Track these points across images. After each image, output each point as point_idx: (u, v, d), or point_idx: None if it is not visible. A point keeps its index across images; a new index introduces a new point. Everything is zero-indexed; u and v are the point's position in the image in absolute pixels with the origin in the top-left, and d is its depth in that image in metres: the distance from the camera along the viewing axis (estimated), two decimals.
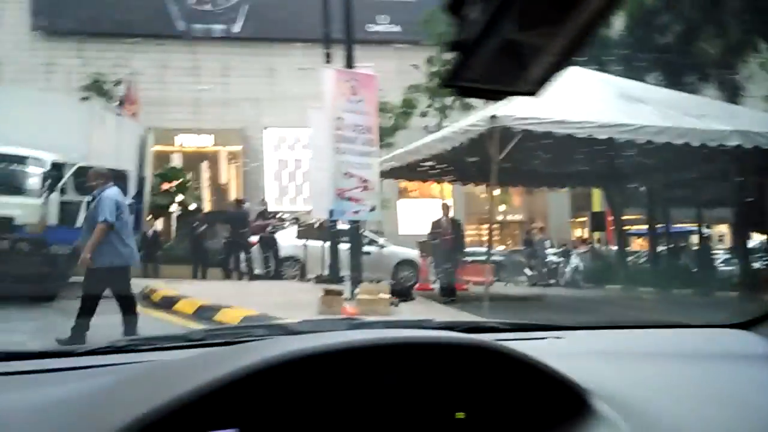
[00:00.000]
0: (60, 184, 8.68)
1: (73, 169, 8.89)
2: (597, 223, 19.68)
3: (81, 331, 5.89)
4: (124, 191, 9.27)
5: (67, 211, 8.58)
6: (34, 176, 8.70)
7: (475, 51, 0.67)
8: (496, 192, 20.85)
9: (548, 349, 1.19)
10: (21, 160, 8.74)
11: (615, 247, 18.44)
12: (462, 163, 12.04)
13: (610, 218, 18.18)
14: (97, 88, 19.38)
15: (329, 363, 0.84)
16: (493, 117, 8.13)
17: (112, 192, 6.19)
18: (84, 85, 19.80)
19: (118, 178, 9.17)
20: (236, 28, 27.46)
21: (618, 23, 15.28)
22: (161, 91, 25.55)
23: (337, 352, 0.84)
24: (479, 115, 9.31)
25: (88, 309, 6.01)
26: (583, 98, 9.04)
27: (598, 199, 22.75)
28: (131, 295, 6.28)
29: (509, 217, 29.60)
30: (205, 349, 1.26)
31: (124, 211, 6.19)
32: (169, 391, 0.78)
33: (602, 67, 12.56)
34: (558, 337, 1.46)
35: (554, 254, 19.67)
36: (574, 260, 18.32)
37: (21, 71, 24.42)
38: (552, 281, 17.97)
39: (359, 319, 1.61)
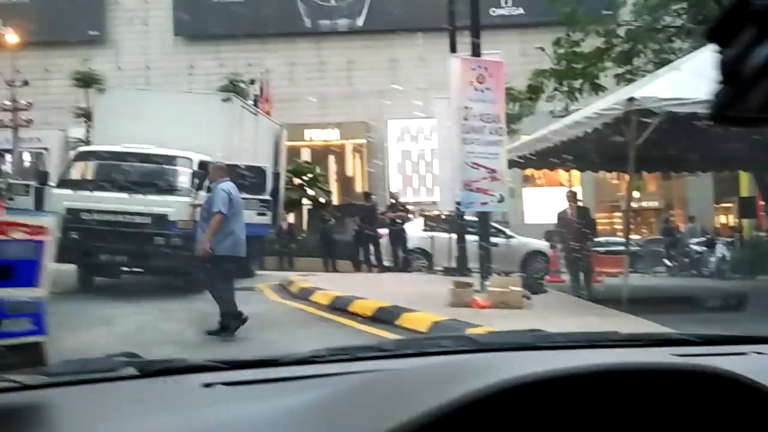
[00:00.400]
0: (206, 182, 9.28)
1: None
2: (746, 209, 18.14)
3: (228, 321, 6.26)
4: (263, 187, 9.79)
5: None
6: (183, 175, 9.37)
7: (759, 81, 0.62)
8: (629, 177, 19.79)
9: (755, 368, 1.08)
10: (172, 160, 9.43)
11: (766, 235, 16.94)
12: (595, 149, 11.49)
13: (761, 203, 16.70)
14: (233, 87, 20.49)
15: (559, 387, 0.82)
16: (631, 99, 7.68)
17: (226, 185, 6.58)
18: (221, 86, 21.00)
19: (257, 174, 9.71)
20: (360, 21, 27.99)
21: None
22: (290, 87, 26.64)
23: (573, 377, 0.82)
24: (614, 98, 8.86)
25: (222, 298, 6.36)
26: None
27: (746, 184, 20.97)
28: (230, 287, 6.59)
29: (644, 204, 28.02)
30: (409, 359, 1.29)
31: (236, 204, 6.50)
32: (417, 402, 0.79)
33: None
34: (760, 352, 1.33)
35: (697, 243, 18.39)
36: (720, 249, 17.02)
37: (166, 75, 26.41)
38: (694, 272, 16.83)
39: (541, 331, 1.57)
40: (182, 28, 28.21)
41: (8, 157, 20.45)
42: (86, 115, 19.74)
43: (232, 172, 9.41)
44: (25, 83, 23.74)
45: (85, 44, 27.55)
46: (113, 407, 1.09)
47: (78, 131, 22.13)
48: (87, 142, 15.10)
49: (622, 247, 16.55)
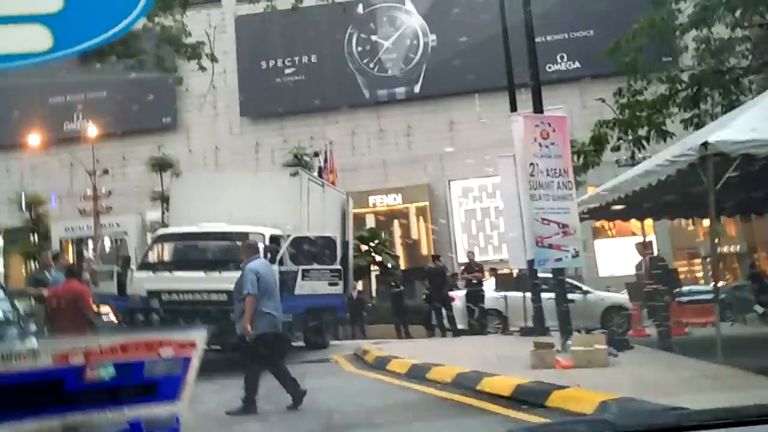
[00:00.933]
0: (278, 256, 9.45)
1: (288, 240, 9.65)
2: None
3: (251, 397, 6.18)
4: (333, 257, 9.86)
5: (286, 281, 9.27)
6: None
7: None
8: (708, 223, 18.98)
9: None
10: (244, 236, 9.65)
11: None
12: (669, 197, 11.12)
13: None
14: (298, 161, 21.10)
15: None
16: (705, 144, 7.43)
17: (254, 264, 6.56)
18: (287, 161, 21.67)
19: (327, 244, 9.82)
20: (417, 88, 28.62)
21: None
22: (352, 156, 27.25)
23: None
24: (685, 144, 8.58)
25: (253, 379, 6.32)
26: None
27: None
28: (276, 363, 6.49)
29: (725, 249, 26.75)
30: None
31: (268, 282, 6.44)
32: None
33: None
34: None
35: None
36: None
37: (234, 154, 27.59)
38: None
39: (685, 409, 1.44)
40: (247, 108, 29.53)
41: (90, 243, 21.52)
42: (162, 198, 20.68)
43: (301, 243, 9.61)
44: (105, 172, 25.18)
45: (158, 131, 29.24)
46: None
47: (154, 214, 23.19)
48: (163, 224, 15.74)
49: (706, 296, 15.74)
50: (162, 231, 11.10)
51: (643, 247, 10.86)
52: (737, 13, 14.66)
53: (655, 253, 22.75)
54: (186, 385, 1.76)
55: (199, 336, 1.80)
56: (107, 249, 15.87)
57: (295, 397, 6.33)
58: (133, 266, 9.65)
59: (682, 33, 16.09)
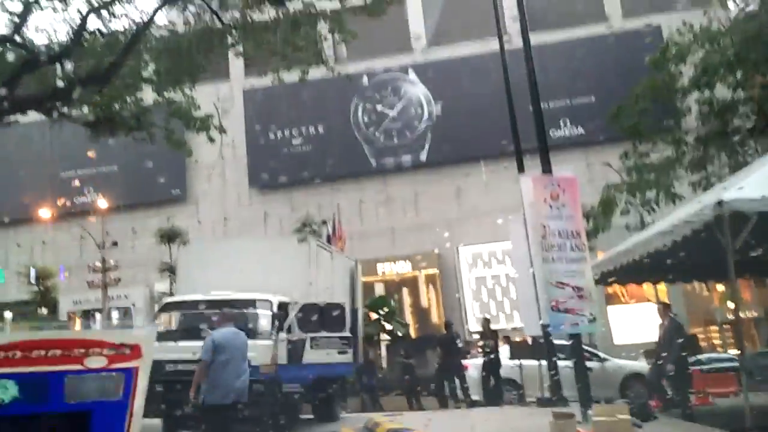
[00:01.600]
0: (287, 323, 9.24)
1: (297, 307, 9.46)
2: None
3: None
4: (342, 324, 9.64)
5: (294, 349, 9.05)
6: (264, 318, 9.38)
7: None
8: (722, 287, 18.64)
9: None
10: (252, 304, 9.50)
11: None
12: (685, 259, 10.91)
13: None
14: (306, 230, 21.08)
15: None
16: (720, 203, 7.31)
17: (217, 332, 6.41)
18: (295, 229, 21.66)
19: (336, 311, 9.61)
20: (423, 156, 28.92)
21: None
22: (360, 224, 27.29)
23: None
24: (700, 203, 8.46)
25: None
26: None
27: None
28: None
29: (741, 315, 26.17)
30: None
31: (226, 351, 6.24)
32: None
33: None
34: None
35: None
36: None
37: (243, 224, 27.67)
38: None
39: None
40: (256, 179, 29.83)
41: (98, 315, 21.33)
42: (170, 269, 20.59)
43: (309, 310, 9.40)
44: (114, 244, 25.24)
45: (168, 203, 29.50)
46: None
47: (163, 285, 23.04)
48: (171, 295, 15.58)
49: (727, 363, 15.25)
50: (168, 299, 10.94)
51: (664, 309, 10.49)
52: (738, 74, 14.86)
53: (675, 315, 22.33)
54: (131, 417, 1.14)
55: (145, 336, 1.27)
56: (113, 320, 15.67)
57: None
58: None
59: (684, 95, 16.30)
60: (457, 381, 13.01)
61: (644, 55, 17.04)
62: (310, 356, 9.20)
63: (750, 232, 7.91)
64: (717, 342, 25.21)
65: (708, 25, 15.57)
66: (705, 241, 8.23)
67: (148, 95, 14.05)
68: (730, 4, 16.45)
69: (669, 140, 16.50)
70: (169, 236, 23.15)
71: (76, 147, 25.37)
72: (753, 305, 26.83)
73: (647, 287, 14.66)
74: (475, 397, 12.82)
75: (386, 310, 19.89)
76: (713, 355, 16.19)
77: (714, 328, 26.23)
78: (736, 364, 14.21)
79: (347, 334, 9.73)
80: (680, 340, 9.43)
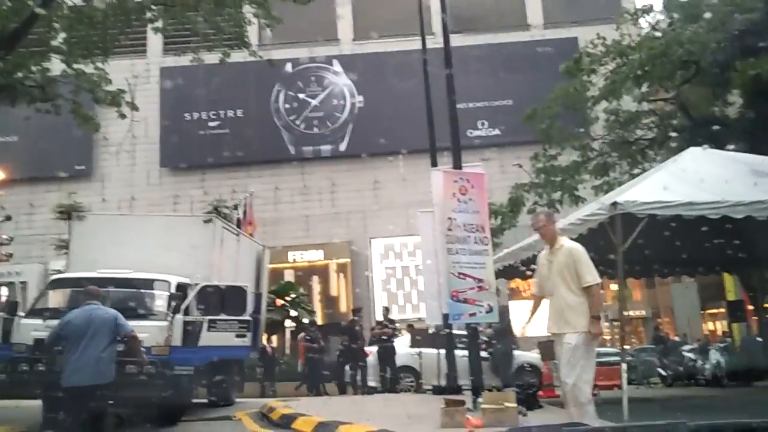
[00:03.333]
0: (184, 305, 8.95)
1: (197, 289, 9.19)
2: (736, 312, 17.92)
3: None
4: (243, 308, 9.44)
5: (190, 331, 8.76)
6: (160, 299, 9.05)
7: None
8: (616, 286, 19.66)
9: None
10: (149, 284, 9.14)
11: (760, 339, 16.61)
12: None
13: (750, 307, 16.53)
14: (217, 213, 20.56)
15: None
16: (615, 204, 7.67)
17: (72, 313, 6.13)
18: (206, 212, 21.07)
19: (237, 294, 9.40)
20: (342, 147, 28.84)
21: (737, 99, 14.60)
22: (274, 211, 26.92)
23: None
24: (598, 203, 8.86)
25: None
26: (710, 178, 8.43)
27: (731, 288, 20.88)
28: (99, 419, 5.98)
29: (631, 313, 27.77)
30: None
31: (75, 330, 5.95)
32: None
33: (724, 145, 11.86)
34: None
35: (689, 350, 17.95)
36: (714, 356, 16.57)
37: (151, 205, 26.64)
38: (690, 381, 16.28)
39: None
40: (168, 159, 28.82)
41: None
42: (67, 247, 19.52)
43: (209, 293, 9.14)
44: (8, 218, 23.69)
45: (72, 179, 27.94)
46: None
47: (59, 263, 21.84)
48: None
49: (613, 358, 16.08)
50: (57, 276, 10.34)
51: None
52: (644, 88, 15.66)
53: None
54: None
55: None
56: (2, 298, 14.73)
57: None
58: (21, 313, 8.89)
59: (594, 104, 17.04)
60: (357, 368, 13.07)
61: (560, 64, 17.69)
62: (207, 339, 8.94)
63: (641, 235, 8.36)
64: (606, 338, 26.59)
65: (620, 39, 16.33)
66: (600, 240, 8.63)
67: (56, 65, 13.28)
68: (641, 22, 17.30)
69: (576, 145, 17.22)
70: (69, 212, 21.91)
71: None
72: (642, 305, 28.51)
73: None
74: (372, 384, 12.92)
75: (293, 296, 19.73)
76: (601, 349, 16.98)
77: (605, 324, 27.69)
78: (619, 358, 15.00)
79: (247, 317, 9.53)
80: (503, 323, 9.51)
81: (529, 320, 5.90)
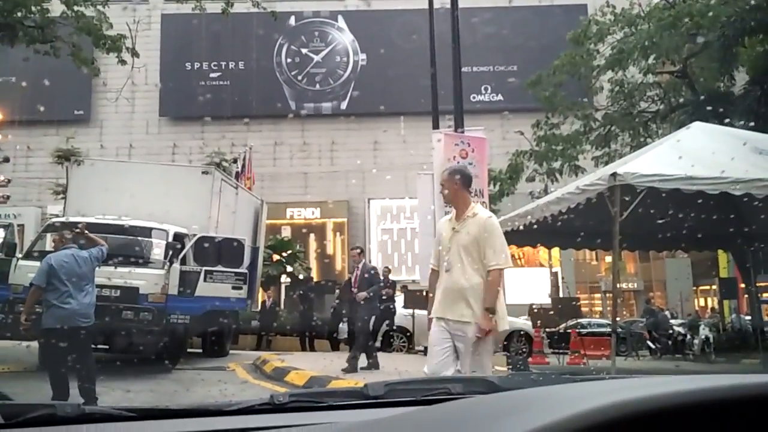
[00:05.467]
0: (181, 255, 8.99)
1: (194, 239, 9.22)
2: (728, 290, 18.10)
3: (57, 395, 5.72)
4: (240, 260, 9.50)
5: (187, 281, 8.83)
6: (157, 247, 9.09)
7: None
8: (610, 258, 19.83)
9: None
10: (146, 232, 9.17)
11: (749, 317, 16.83)
12: (577, 226, 11.46)
13: (742, 285, 16.70)
14: (215, 165, 20.50)
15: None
16: (614, 175, 7.68)
17: (55, 254, 6.22)
18: (204, 164, 21.00)
19: (234, 247, 9.45)
20: (343, 105, 28.60)
21: (744, 75, 14.49)
22: (273, 166, 26.84)
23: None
24: (597, 174, 8.87)
25: (53, 375, 5.92)
26: (711, 154, 8.42)
27: (724, 265, 21.07)
28: (86, 361, 6.07)
29: (624, 286, 28.04)
30: (405, 409, 1.05)
31: (67, 272, 6.04)
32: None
33: (728, 122, 11.81)
34: None
35: (679, 325, 18.19)
36: (703, 331, 16.79)
37: (149, 153, 26.49)
38: (678, 355, 16.54)
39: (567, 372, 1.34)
40: (167, 108, 28.57)
41: None
42: (65, 191, 19.50)
43: (206, 244, 9.18)
44: (5, 160, 23.57)
45: (70, 123, 27.72)
46: None
47: (57, 208, 21.83)
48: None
49: (604, 329, 16.33)
50: (54, 220, 10.36)
51: (359, 255, 9.71)
52: (650, 59, 15.50)
53: (560, 284, 23.59)
54: None
55: None
56: None
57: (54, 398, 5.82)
58: (19, 255, 8.93)
59: (599, 74, 16.88)
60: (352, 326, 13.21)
61: (568, 31, 17.46)
62: (203, 289, 9.03)
63: (639, 207, 8.39)
64: (598, 309, 26.94)
65: (629, 8, 16.09)
66: (598, 211, 8.65)
67: (56, 7, 13.05)
68: None
69: (579, 115, 17.12)
70: (67, 157, 21.82)
71: None
72: (635, 278, 28.77)
73: (542, 251, 15.33)
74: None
75: (289, 252, 19.82)
76: (592, 320, 17.27)
77: (598, 295, 27.99)
78: (609, 329, 15.24)
79: (244, 270, 9.60)
80: (376, 285, 9.14)
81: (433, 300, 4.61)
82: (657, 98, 17.26)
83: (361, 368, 8.56)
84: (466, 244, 4.44)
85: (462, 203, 4.58)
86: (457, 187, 4.61)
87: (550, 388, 0.87)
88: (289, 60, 29.06)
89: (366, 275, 9.08)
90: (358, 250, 9.89)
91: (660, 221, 11.45)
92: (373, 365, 8.81)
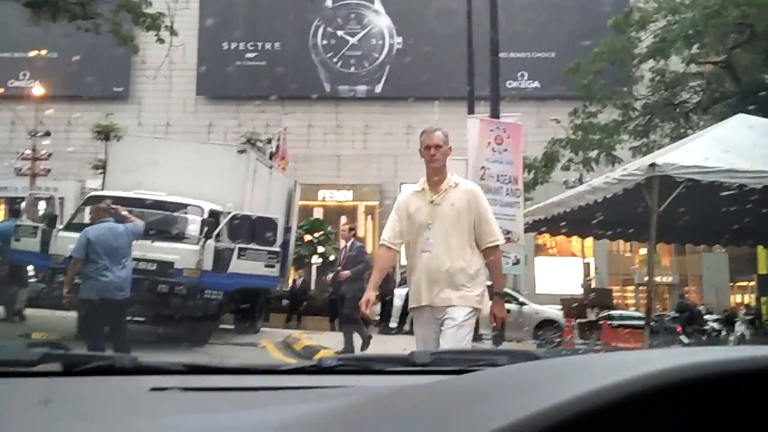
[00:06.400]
0: (216, 231, 9.12)
1: (228, 217, 9.35)
2: (766, 286, 17.71)
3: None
4: (273, 238, 9.60)
5: (221, 257, 8.97)
6: (193, 223, 9.25)
7: None
8: (644, 250, 19.53)
9: None
10: (182, 208, 9.33)
11: None
12: (613, 216, 11.30)
13: None
14: (250, 145, 20.70)
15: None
16: (653, 165, 7.54)
17: (92, 227, 6.36)
18: (239, 143, 21.21)
19: (267, 225, 9.55)
20: (378, 88, 28.53)
21: None
22: (307, 148, 26.96)
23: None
24: (635, 164, 8.72)
25: (90, 344, 6.10)
26: (753, 147, 8.20)
27: (764, 261, 20.59)
28: (120, 332, 6.28)
29: (658, 279, 27.60)
30: (443, 377, 1.07)
31: (104, 245, 6.19)
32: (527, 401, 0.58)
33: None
34: None
35: (714, 320, 17.87)
36: (739, 328, 16.47)
37: (186, 132, 26.85)
38: None
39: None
40: (204, 87, 28.86)
41: (23, 205, 20.57)
42: (103, 166, 19.89)
43: (241, 221, 9.29)
44: (47, 134, 24.12)
45: (109, 100, 28.20)
46: (17, 408, 0.86)
47: (96, 182, 22.30)
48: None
49: (637, 321, 16.07)
50: (94, 193, 10.59)
51: (349, 231, 9.60)
52: (694, 49, 15.12)
53: (593, 274, 23.32)
54: None
55: None
56: (38, 209, 15.16)
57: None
58: (60, 226, 9.17)
59: (640, 62, 16.53)
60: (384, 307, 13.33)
61: (609, 18, 17.11)
62: (237, 266, 9.15)
63: (677, 200, 8.23)
64: (631, 302, 26.57)
65: None
66: (634, 202, 8.52)
67: None
68: None
69: (618, 104, 16.81)
70: (107, 132, 22.21)
71: (14, 27, 23.79)
72: (670, 271, 28.30)
73: (575, 241, 15.17)
74: (393, 324, 13.18)
75: (321, 233, 19.97)
76: (625, 312, 17.01)
77: (631, 288, 27.58)
78: (642, 322, 15.03)
79: (276, 249, 9.70)
80: (361, 264, 8.92)
81: (374, 287, 3.98)
82: (699, 89, 16.84)
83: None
84: (452, 218, 3.82)
85: (444, 172, 4.07)
86: (450, 153, 4.13)
87: (604, 355, 0.87)
88: (324, 42, 29.05)
89: (352, 254, 8.97)
90: (348, 228, 9.86)
91: (698, 215, 11.23)
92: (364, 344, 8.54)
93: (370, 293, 3.85)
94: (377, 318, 13.52)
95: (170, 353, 7.68)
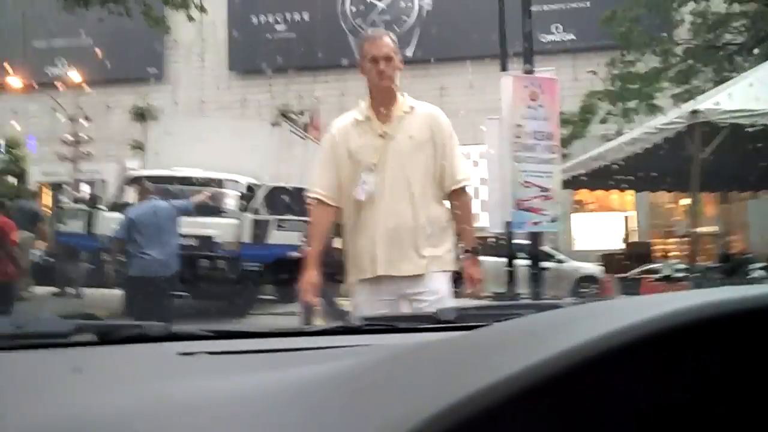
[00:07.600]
0: (253, 204, 9.26)
1: (266, 189, 9.46)
2: None
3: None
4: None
5: (259, 229, 9.12)
6: (231, 198, 9.41)
7: None
8: (687, 201, 19.02)
9: None
10: (220, 183, 9.50)
11: None
12: (654, 168, 11.01)
13: None
14: (283, 117, 20.78)
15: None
16: (695, 112, 7.28)
17: (134, 208, 6.50)
18: (273, 116, 21.32)
19: (304, 197, 9.62)
20: (409, 52, 28.13)
21: None
22: (340, 116, 26.92)
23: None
24: (676, 112, 8.44)
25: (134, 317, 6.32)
26: None
27: None
28: (164, 308, 6.48)
29: (701, 230, 26.87)
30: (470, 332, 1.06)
31: (147, 225, 6.34)
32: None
33: None
34: None
35: (760, 268, 17.37)
36: None
37: (220, 108, 27.13)
38: None
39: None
40: (236, 63, 28.96)
41: (67, 188, 21.22)
42: (142, 147, 20.31)
43: (278, 193, 9.39)
44: (87, 119, 24.65)
45: (144, 81, 28.57)
46: (48, 377, 0.88)
47: (135, 163, 22.81)
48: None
49: (679, 274, 15.76)
50: (135, 173, 10.85)
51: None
52: None
53: (635, 227, 22.89)
54: None
55: None
56: (82, 192, 15.61)
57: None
58: (103, 207, 9.43)
59: (680, 5, 15.87)
60: None
61: None
62: (275, 237, 9.29)
63: (722, 146, 7.95)
64: (674, 254, 25.97)
65: None
66: (676, 152, 8.28)
67: None
68: None
69: (657, 51, 16.22)
70: (144, 114, 22.63)
71: (48, 16, 24.19)
72: (713, 221, 27.53)
73: (615, 195, 14.87)
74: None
75: None
76: (665, 264, 16.69)
77: (673, 240, 26.95)
78: (684, 274, 14.73)
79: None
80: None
81: (315, 261, 3.01)
82: (743, 29, 16.10)
83: None
84: (411, 155, 2.93)
85: (395, 92, 3.13)
86: (401, 67, 3.12)
87: (634, 297, 0.84)
88: (353, 8, 28.73)
89: None
90: None
91: (743, 161, 10.86)
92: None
93: (311, 272, 2.91)
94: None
95: (211, 325, 7.87)
